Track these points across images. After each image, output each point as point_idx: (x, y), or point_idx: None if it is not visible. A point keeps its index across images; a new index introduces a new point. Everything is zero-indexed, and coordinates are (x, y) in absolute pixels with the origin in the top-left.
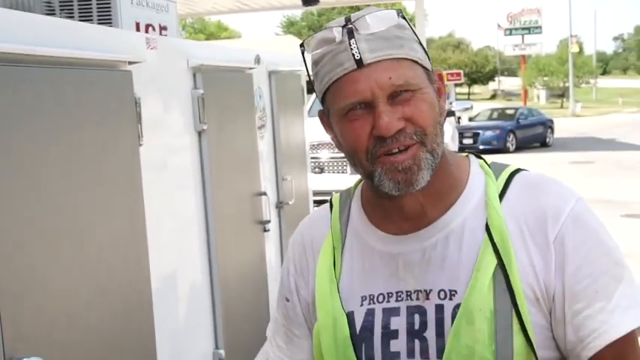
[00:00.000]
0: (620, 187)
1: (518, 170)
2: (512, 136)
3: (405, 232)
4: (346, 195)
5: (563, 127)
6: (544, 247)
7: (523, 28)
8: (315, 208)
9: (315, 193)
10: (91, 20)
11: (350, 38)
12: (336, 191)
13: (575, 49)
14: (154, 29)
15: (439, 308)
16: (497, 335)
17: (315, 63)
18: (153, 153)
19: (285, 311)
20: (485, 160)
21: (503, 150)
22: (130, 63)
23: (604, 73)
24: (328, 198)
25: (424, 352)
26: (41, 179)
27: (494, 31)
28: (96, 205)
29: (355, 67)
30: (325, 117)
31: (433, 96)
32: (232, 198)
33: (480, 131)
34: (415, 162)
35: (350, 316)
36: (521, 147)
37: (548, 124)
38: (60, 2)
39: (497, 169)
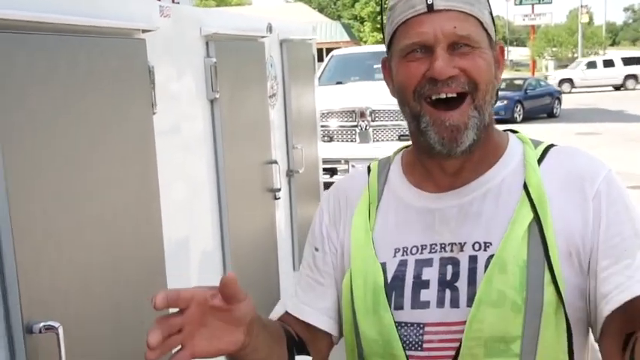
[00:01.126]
0: (626, 158)
1: (553, 144)
2: (519, 106)
3: (444, 190)
4: (385, 160)
5: (570, 98)
6: (581, 204)
7: None
8: (324, 177)
9: (325, 161)
10: None
11: None
12: (345, 159)
13: (585, 19)
14: None
15: (472, 259)
16: (528, 284)
17: (391, 8)
18: (166, 120)
19: (313, 261)
20: (522, 134)
21: (511, 120)
22: (144, 31)
23: (613, 44)
24: (337, 166)
25: (454, 301)
26: (55, 145)
27: (504, 1)
28: (110, 171)
29: (425, 10)
30: (388, 64)
31: (491, 59)
32: (243, 165)
33: None
34: (462, 120)
35: (383, 266)
36: (528, 117)
37: (555, 95)
38: None
39: (534, 142)
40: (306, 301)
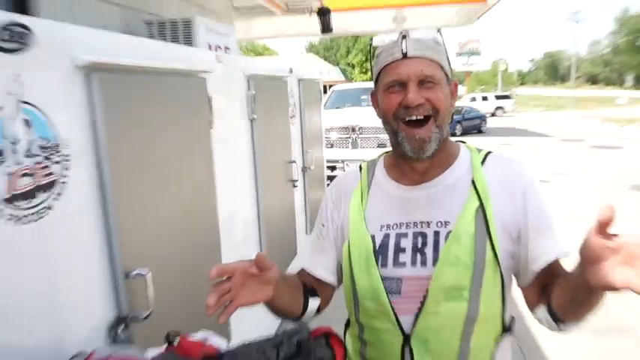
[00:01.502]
0: (529, 161)
1: (490, 152)
2: (459, 125)
3: (415, 184)
4: (372, 162)
5: (493, 120)
6: (512, 197)
7: (468, 52)
8: (327, 172)
9: (327, 161)
10: (178, 41)
11: (402, 39)
12: (341, 160)
13: (502, 67)
14: (220, 49)
15: (436, 233)
16: (476, 250)
17: (377, 56)
18: (220, 133)
19: (320, 233)
20: (469, 145)
21: (453, 134)
22: (205, 72)
23: (522, 84)
24: (335, 164)
25: (423, 262)
26: (150, 151)
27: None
28: (183, 165)
29: (401, 57)
30: (375, 95)
31: (448, 92)
32: (272, 164)
33: None
34: (427, 135)
35: (372, 238)
36: (465, 133)
37: (483, 118)
38: (158, 29)
39: (477, 149)
40: (316, 260)
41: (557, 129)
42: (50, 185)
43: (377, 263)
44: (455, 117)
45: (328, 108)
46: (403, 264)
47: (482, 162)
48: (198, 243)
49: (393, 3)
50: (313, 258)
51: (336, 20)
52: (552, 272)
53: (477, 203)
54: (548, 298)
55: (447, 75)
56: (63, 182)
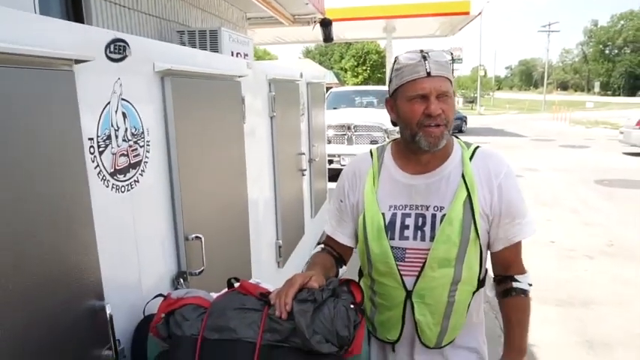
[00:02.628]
0: (507, 158)
1: (478, 146)
2: None
3: (418, 174)
4: (381, 148)
5: (473, 121)
6: (492, 187)
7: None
8: (327, 165)
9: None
10: (206, 49)
11: (425, 60)
12: (338, 154)
13: (482, 73)
14: (240, 55)
15: (433, 216)
16: (462, 231)
17: (399, 69)
18: (250, 127)
19: (339, 206)
20: (460, 139)
21: None
22: (240, 76)
23: (499, 88)
24: (332, 158)
25: (422, 238)
26: (202, 139)
27: None
28: (224, 154)
29: (426, 75)
30: (391, 102)
31: (454, 103)
32: (287, 155)
33: None
34: (441, 135)
35: (383, 215)
36: None
37: (463, 119)
38: (188, 37)
39: (467, 145)
40: (338, 229)
41: (531, 130)
42: (138, 164)
43: (387, 235)
44: None
45: (327, 108)
46: (407, 238)
47: (471, 157)
48: (233, 216)
49: (383, 14)
50: (335, 227)
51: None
52: (514, 249)
53: (466, 193)
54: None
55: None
56: (145, 162)
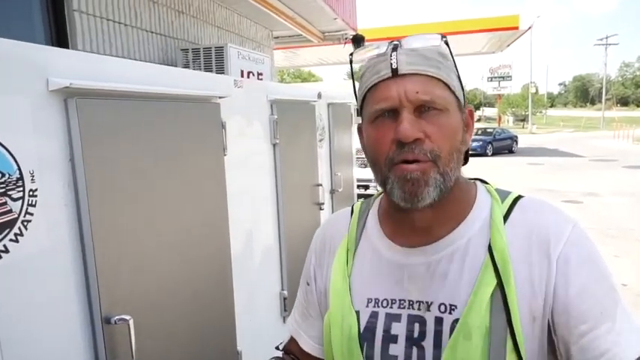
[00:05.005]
0: (560, 181)
1: (521, 196)
2: (490, 145)
3: (414, 246)
4: (366, 205)
5: (524, 140)
6: (546, 265)
7: (499, 77)
8: (360, 191)
9: (360, 180)
10: (211, 69)
11: (392, 51)
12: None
13: (533, 90)
14: (253, 75)
15: (438, 321)
16: (490, 352)
17: (361, 76)
18: (237, 158)
19: (305, 294)
20: (491, 185)
21: (484, 154)
22: (220, 97)
23: (552, 106)
24: (369, 183)
25: (420, 359)
26: (141, 183)
27: (480, 79)
28: (190, 193)
29: (390, 75)
30: (362, 129)
31: (458, 123)
32: (295, 187)
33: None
34: (424, 176)
35: (357, 314)
36: (496, 153)
37: (514, 139)
38: (193, 57)
39: (502, 194)
40: (302, 327)
41: (589, 149)
42: (7, 225)
43: (362, 351)
44: (485, 138)
45: None
46: (394, 358)
47: (508, 213)
48: (204, 275)
49: (426, 32)
50: (299, 322)
51: None
52: None
53: (495, 281)
54: None
55: (457, 98)
56: (25, 221)
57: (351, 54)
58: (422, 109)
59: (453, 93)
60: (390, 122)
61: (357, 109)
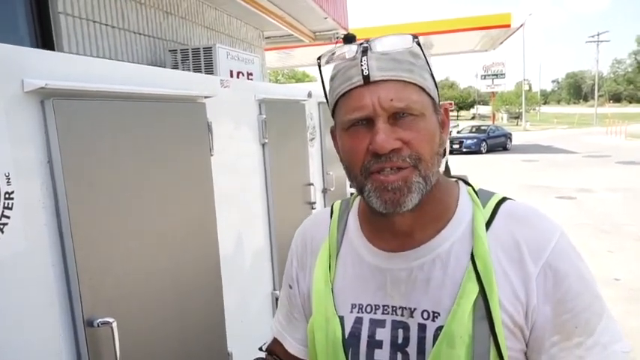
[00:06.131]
0: (554, 177)
1: (504, 199)
2: (484, 143)
3: (394, 250)
4: (346, 205)
5: (518, 138)
6: (527, 278)
7: (493, 74)
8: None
9: None
10: (200, 70)
11: (362, 56)
12: None
13: (526, 87)
14: (243, 75)
15: (422, 327)
16: (473, 357)
17: (331, 79)
18: (226, 158)
19: (288, 296)
20: (473, 187)
21: (479, 152)
22: (206, 97)
23: (545, 103)
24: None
25: None
26: (124, 184)
27: (474, 77)
28: (175, 194)
29: (362, 82)
30: (335, 132)
31: (435, 125)
32: (286, 186)
33: (464, 140)
34: (406, 184)
35: (341, 320)
36: (490, 150)
37: (508, 136)
38: (181, 58)
39: (484, 196)
40: (287, 330)
41: (582, 145)
42: None
43: (347, 357)
44: (480, 135)
45: None
46: None
47: (490, 219)
48: (193, 276)
49: (418, 31)
50: (283, 324)
51: None
52: None
53: (477, 290)
54: None
55: (432, 98)
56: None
57: (319, 58)
58: (397, 115)
59: (428, 94)
60: (364, 131)
61: (331, 113)
